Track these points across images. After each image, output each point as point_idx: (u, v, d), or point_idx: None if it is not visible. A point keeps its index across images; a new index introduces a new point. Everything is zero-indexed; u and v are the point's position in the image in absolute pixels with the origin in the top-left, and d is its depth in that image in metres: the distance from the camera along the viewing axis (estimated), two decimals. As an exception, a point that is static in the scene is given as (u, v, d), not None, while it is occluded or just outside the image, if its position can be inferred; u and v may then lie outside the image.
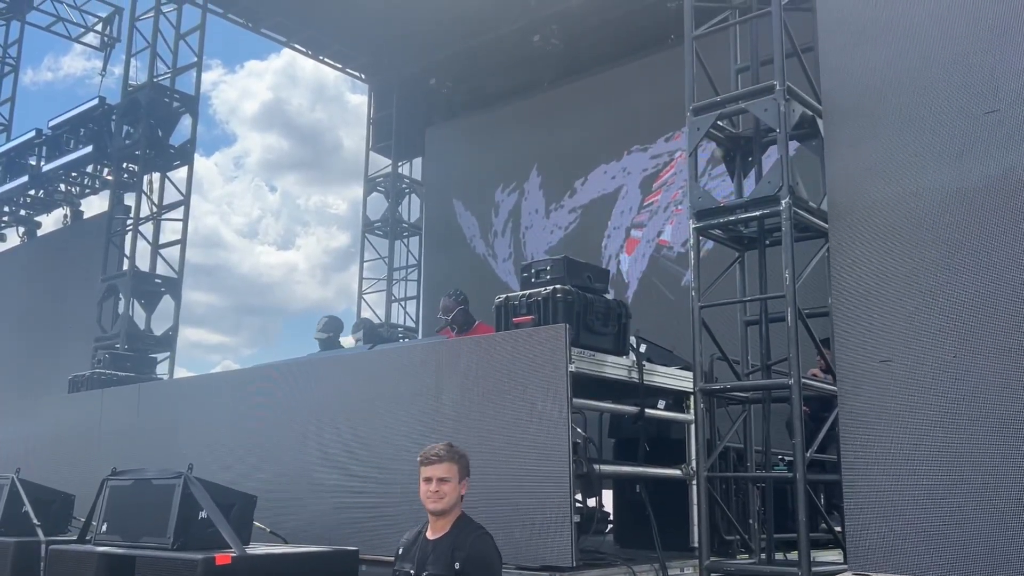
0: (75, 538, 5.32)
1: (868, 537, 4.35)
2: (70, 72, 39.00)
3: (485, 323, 7.54)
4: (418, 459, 3.96)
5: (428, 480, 3.88)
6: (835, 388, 4.99)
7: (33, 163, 14.04)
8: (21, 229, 15.25)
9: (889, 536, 4.29)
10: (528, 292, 5.27)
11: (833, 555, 5.86)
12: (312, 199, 47.51)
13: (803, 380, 5.01)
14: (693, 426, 5.60)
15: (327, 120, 42.92)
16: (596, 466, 5.07)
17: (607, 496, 6.10)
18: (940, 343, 4.28)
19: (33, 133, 14.00)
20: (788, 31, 5.45)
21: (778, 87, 5.23)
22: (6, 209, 15.21)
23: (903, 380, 4.37)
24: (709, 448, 5.43)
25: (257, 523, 5.13)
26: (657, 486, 5.74)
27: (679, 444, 5.93)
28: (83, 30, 16.82)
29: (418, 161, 16.65)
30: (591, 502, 5.45)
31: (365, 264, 16.63)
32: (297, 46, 15.69)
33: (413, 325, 16.14)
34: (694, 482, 5.53)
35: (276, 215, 48.75)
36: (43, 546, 5.48)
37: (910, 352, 4.36)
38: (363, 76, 16.79)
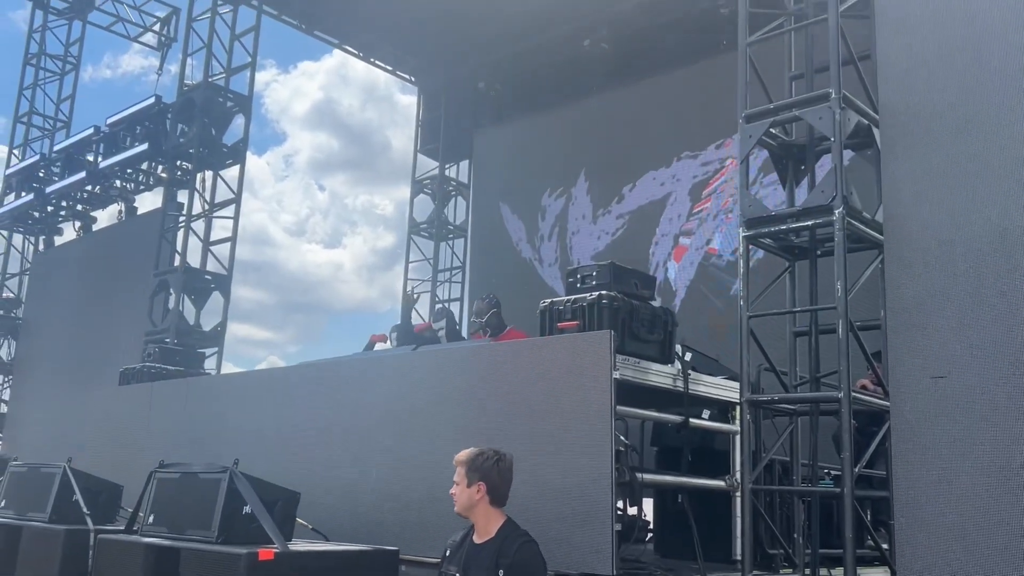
0: (123, 528, 5.41)
1: (917, 556, 4.26)
2: (128, 70, 39.96)
3: (517, 328, 7.52)
4: None
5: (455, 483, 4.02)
6: (885, 402, 4.89)
7: (90, 159, 14.38)
8: (77, 224, 15.62)
9: (939, 556, 4.19)
10: (573, 297, 5.24)
11: (879, 573, 5.73)
12: (360, 199, 47.98)
13: (853, 394, 4.91)
14: (738, 437, 5.52)
15: (377, 120, 43.34)
16: (638, 475, 5.03)
17: (648, 504, 6.05)
18: (996, 360, 4.17)
19: (91, 130, 14.34)
20: (845, 38, 5.36)
21: (833, 95, 5.14)
22: (64, 204, 15.59)
23: (957, 397, 4.26)
24: (754, 460, 5.35)
25: (300, 519, 5.17)
26: (700, 497, 5.67)
27: (723, 455, 5.85)
28: (141, 30, 17.21)
29: (465, 164, 16.71)
30: (632, 510, 5.41)
31: (411, 265, 16.73)
32: (349, 48, 15.85)
33: (457, 327, 16.16)
34: (738, 494, 5.45)
35: (324, 214, 49.32)
36: (92, 535, 5.58)
37: (965, 368, 4.25)
38: (413, 79, 16.90)
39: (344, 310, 48.88)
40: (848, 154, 5.32)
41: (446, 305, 15.06)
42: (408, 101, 17.33)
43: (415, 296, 8.67)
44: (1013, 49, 4.46)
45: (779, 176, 5.99)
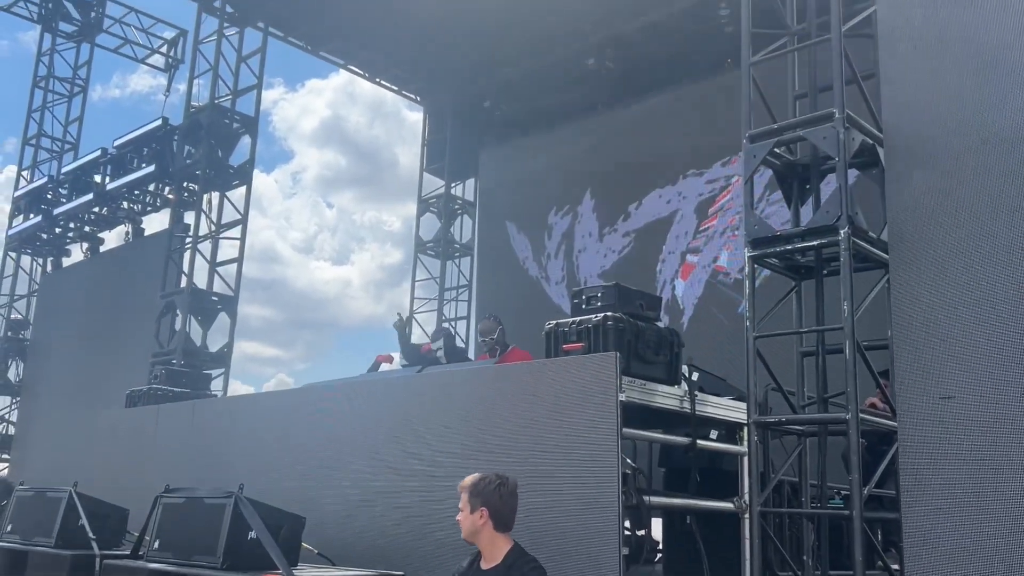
0: (128, 553, 5.39)
1: (927, 578, 4.21)
2: (137, 89, 40.27)
3: (520, 348, 7.50)
4: None
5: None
6: (894, 423, 4.86)
7: (98, 181, 14.46)
8: (85, 245, 15.70)
9: (950, 578, 4.14)
10: (579, 319, 5.23)
11: (890, 595, 5.67)
12: (367, 215, 48.11)
13: (861, 415, 4.88)
14: (746, 458, 5.49)
15: (384, 137, 43.50)
16: (646, 497, 4.99)
17: (656, 525, 6.00)
18: (1006, 380, 4.13)
19: (99, 152, 14.45)
20: (848, 58, 5.36)
21: (837, 115, 5.13)
22: (71, 225, 15.67)
23: (966, 418, 4.23)
24: (762, 481, 5.31)
25: (305, 544, 5.15)
26: (708, 518, 5.63)
27: (731, 476, 5.80)
28: (149, 52, 17.37)
29: (471, 182, 16.75)
30: (640, 531, 5.37)
31: (417, 284, 16.74)
32: (354, 68, 15.94)
33: (463, 345, 16.15)
34: (746, 516, 5.41)
35: (332, 231, 49.45)
36: (97, 559, 5.57)
37: (974, 389, 4.22)
38: (418, 98, 16.97)
39: (353, 327, 48.93)
40: (853, 173, 5.31)
41: (445, 324, 15.07)
42: (415, 118, 17.39)
43: (404, 320, 8.64)
44: (1018, 67, 4.45)
45: (784, 196, 5.97)
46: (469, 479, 4.04)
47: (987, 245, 4.34)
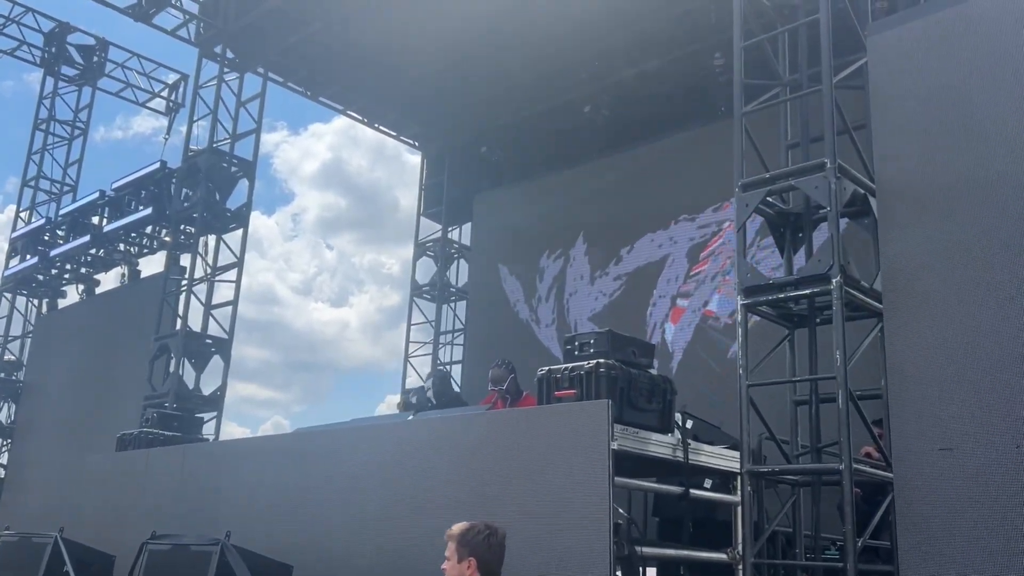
0: (112, 602, 5.31)
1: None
2: (139, 131, 40.60)
3: (532, 393, 7.47)
4: None
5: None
6: (889, 473, 4.82)
7: (95, 223, 14.48)
8: (80, 287, 15.66)
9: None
10: (571, 365, 5.21)
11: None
12: (367, 257, 48.16)
13: (856, 465, 4.85)
14: (740, 508, 5.43)
15: (385, 180, 43.71)
16: (638, 548, 4.93)
17: (651, 575, 5.92)
18: (1003, 432, 4.12)
19: (97, 194, 14.48)
20: (839, 109, 5.42)
21: (829, 165, 5.18)
22: (68, 267, 15.66)
23: (963, 469, 4.21)
24: (756, 532, 5.26)
25: (292, 594, 5.07)
26: (703, 569, 5.56)
27: (726, 526, 5.74)
28: (150, 95, 17.52)
29: (467, 227, 16.81)
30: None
31: (413, 327, 16.71)
32: (353, 114, 16.07)
33: (458, 390, 16.06)
34: (740, 567, 5.34)
35: (332, 273, 49.47)
36: (81, 608, 5.48)
37: (971, 441, 4.20)
38: (416, 144, 17.11)
39: (350, 368, 48.68)
40: (844, 222, 5.35)
41: (441, 367, 14.99)
42: (416, 161, 17.42)
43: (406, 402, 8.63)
44: (1009, 117, 4.51)
45: (776, 243, 6.01)
46: (457, 528, 3.95)
47: (981, 299, 4.35)
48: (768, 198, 5.60)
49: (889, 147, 4.95)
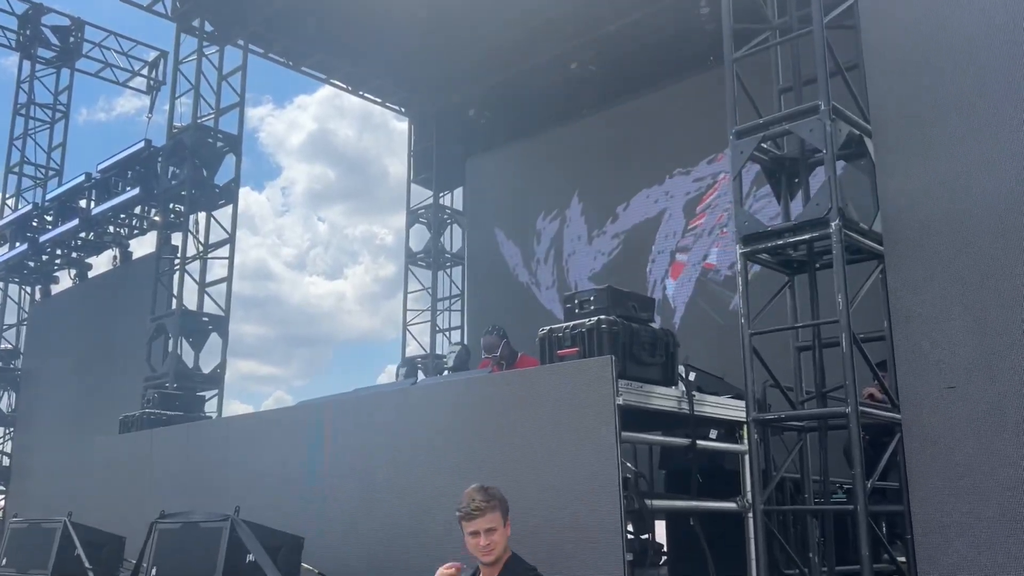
0: (125, 582, 5.32)
1: (938, 568, 4.17)
2: (123, 112, 40.19)
3: (528, 354, 7.46)
4: (457, 514, 3.71)
5: (475, 534, 3.64)
6: (894, 414, 4.82)
7: (83, 206, 14.35)
8: (73, 271, 15.57)
9: (960, 567, 4.10)
10: (572, 323, 5.17)
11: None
12: (359, 228, 48.01)
13: (861, 408, 4.83)
14: (747, 457, 5.44)
15: (374, 149, 43.45)
16: (648, 501, 4.94)
17: (660, 528, 5.94)
18: (1010, 366, 4.10)
19: (83, 177, 14.33)
20: (831, 50, 5.33)
21: (823, 107, 5.10)
22: (58, 252, 15.55)
23: (971, 406, 4.19)
24: (765, 479, 5.26)
25: (305, 564, 5.08)
26: (712, 519, 5.57)
27: (734, 475, 5.75)
28: (130, 75, 17.27)
29: (459, 191, 16.69)
30: (644, 536, 5.31)
31: (410, 295, 16.66)
32: (337, 82, 15.87)
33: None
34: (750, 515, 5.35)
35: (325, 246, 49.32)
36: (94, 590, 5.49)
37: (977, 376, 4.18)
38: (403, 110, 16.93)
39: (349, 341, 48.78)
40: (840, 164, 5.28)
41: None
42: (403, 128, 17.22)
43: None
44: (1008, 46, 4.43)
45: (773, 190, 5.94)
46: (489, 494, 3.69)
47: (981, 229, 4.31)
48: (763, 144, 5.52)
49: (882, 83, 4.87)
